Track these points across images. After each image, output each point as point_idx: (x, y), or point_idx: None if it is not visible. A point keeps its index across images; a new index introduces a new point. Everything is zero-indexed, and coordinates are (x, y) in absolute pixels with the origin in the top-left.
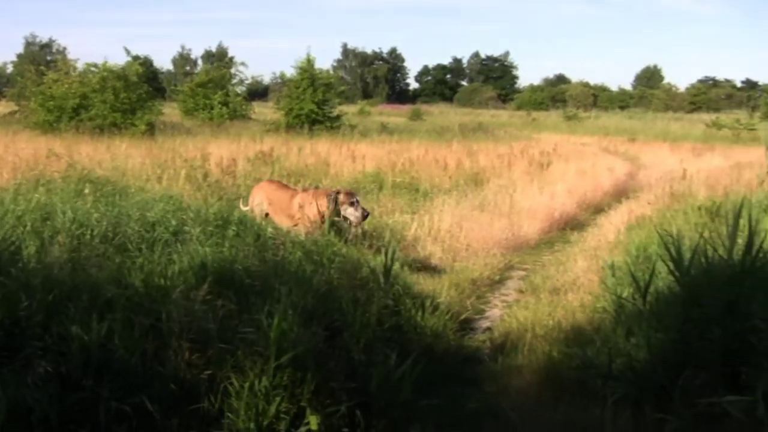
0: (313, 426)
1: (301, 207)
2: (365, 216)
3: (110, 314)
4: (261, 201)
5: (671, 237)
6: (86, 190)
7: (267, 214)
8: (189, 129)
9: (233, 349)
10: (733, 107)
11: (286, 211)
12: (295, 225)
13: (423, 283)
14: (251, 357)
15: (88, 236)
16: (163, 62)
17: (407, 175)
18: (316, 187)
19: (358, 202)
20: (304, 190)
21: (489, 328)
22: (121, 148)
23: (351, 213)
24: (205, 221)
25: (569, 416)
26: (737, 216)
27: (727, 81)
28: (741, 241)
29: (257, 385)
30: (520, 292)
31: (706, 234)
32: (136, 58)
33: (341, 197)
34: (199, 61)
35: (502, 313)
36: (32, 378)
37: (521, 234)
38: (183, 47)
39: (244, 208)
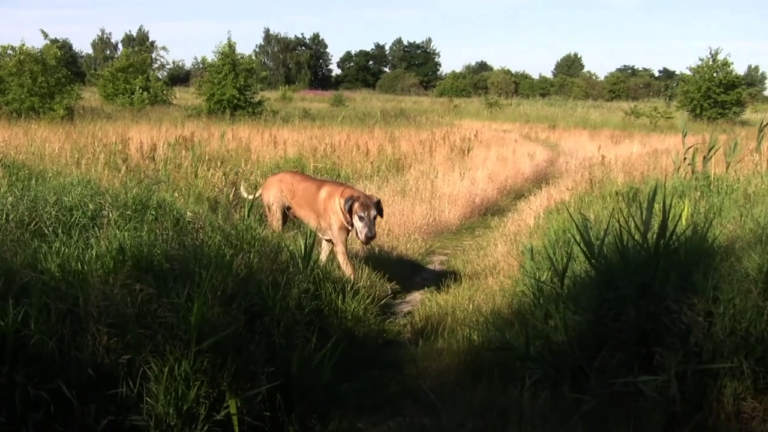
0: (233, 410)
1: (327, 201)
2: (368, 238)
3: (26, 299)
4: (279, 194)
5: (587, 221)
6: (0, 174)
7: (289, 208)
8: (109, 114)
9: (152, 333)
10: (651, 96)
11: (312, 206)
12: (319, 224)
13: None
14: (171, 341)
15: (2, 221)
16: (83, 46)
17: (328, 161)
18: (341, 183)
19: (369, 218)
20: (334, 182)
21: (410, 312)
22: (38, 132)
23: (358, 227)
24: (123, 205)
25: (488, 397)
26: (651, 201)
27: (645, 70)
28: (656, 225)
29: (177, 370)
30: (441, 276)
31: (622, 219)
32: (54, 41)
33: (356, 205)
34: (120, 45)
35: (423, 298)
36: None
37: (442, 219)
38: (103, 31)
39: (248, 196)
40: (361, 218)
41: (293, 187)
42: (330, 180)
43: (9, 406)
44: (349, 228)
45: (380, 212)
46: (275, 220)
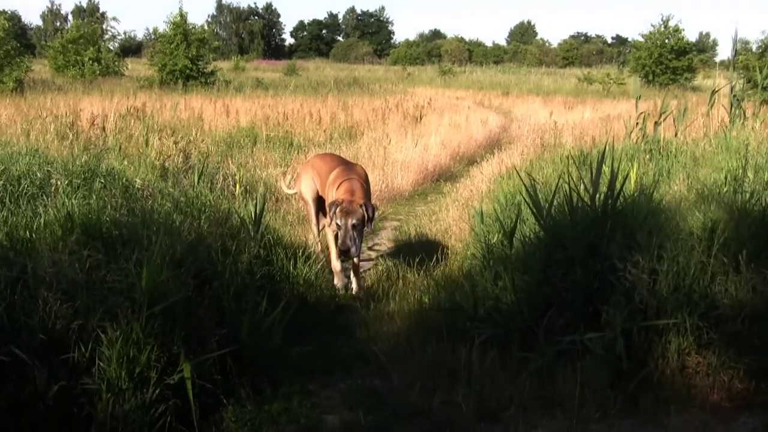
0: (186, 373)
1: (329, 187)
2: (341, 251)
3: None
4: (311, 182)
5: (536, 183)
6: None
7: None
8: (60, 86)
9: (103, 298)
10: (604, 62)
11: (323, 190)
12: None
13: (296, 234)
14: (123, 306)
15: None
16: (32, 18)
17: (281, 129)
18: (349, 170)
19: (346, 227)
20: (346, 169)
21: (361, 278)
22: None
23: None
24: (72, 174)
25: (437, 358)
26: (600, 162)
27: (598, 37)
28: (605, 187)
29: (129, 334)
30: (393, 241)
31: (571, 181)
32: (2, 12)
33: (336, 211)
34: (70, 17)
35: (375, 263)
36: None
37: (395, 186)
38: (52, 2)
39: (288, 191)
40: (338, 226)
41: (320, 171)
42: (348, 165)
43: None
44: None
45: (369, 220)
46: (311, 216)
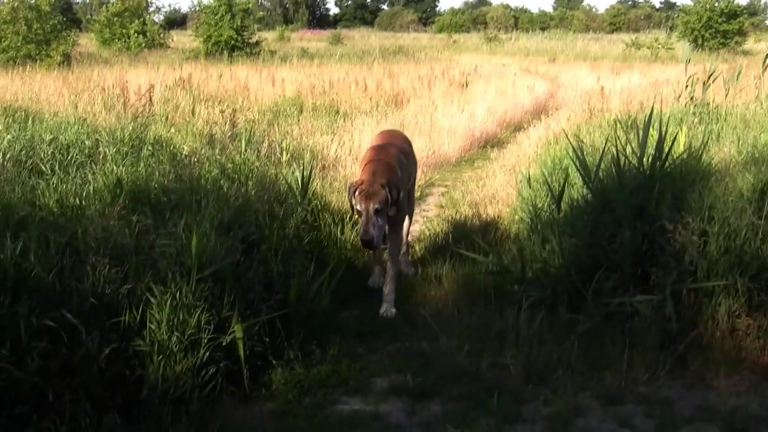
0: (238, 334)
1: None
2: (362, 241)
3: (24, 233)
4: None
5: (585, 145)
6: None
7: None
8: (106, 59)
9: (152, 263)
10: (652, 27)
11: None
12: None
13: (343, 200)
14: (172, 270)
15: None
16: None
17: (327, 98)
18: (380, 151)
19: (368, 213)
20: (380, 146)
21: (409, 242)
22: (35, 78)
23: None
24: (120, 142)
25: (485, 320)
26: (647, 125)
27: (646, 2)
28: (652, 150)
29: (179, 297)
30: (440, 207)
31: (619, 144)
32: None
33: (356, 194)
34: None
35: (423, 227)
36: None
37: (441, 152)
38: None
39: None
40: (359, 213)
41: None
42: (384, 145)
43: (13, 338)
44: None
45: (392, 202)
46: None
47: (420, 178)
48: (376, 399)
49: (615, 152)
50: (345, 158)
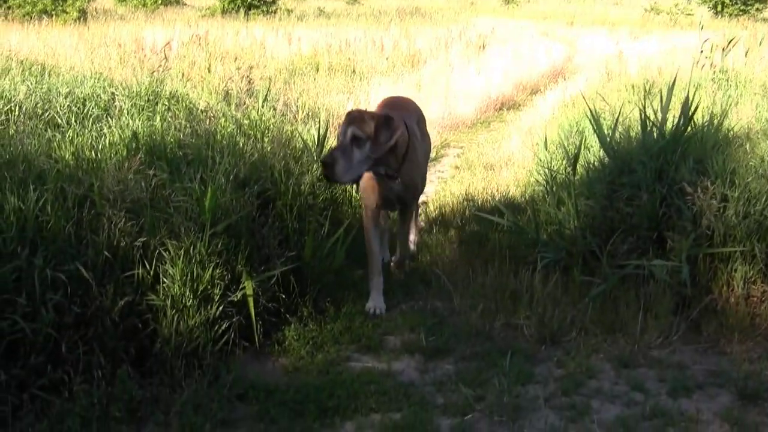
0: (248, 291)
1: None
2: (323, 163)
3: (42, 186)
4: None
5: (603, 109)
6: (13, 69)
7: None
8: (122, 15)
9: (167, 217)
10: None
11: None
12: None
13: None
14: (186, 224)
15: (16, 112)
16: None
17: (343, 57)
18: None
19: (347, 135)
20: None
21: (425, 202)
22: (51, 33)
23: None
24: (135, 96)
25: (499, 281)
26: (671, 89)
27: None
28: (671, 115)
29: (192, 252)
30: (456, 168)
31: (639, 107)
32: None
33: (343, 119)
34: None
35: (438, 188)
36: None
37: (458, 114)
38: None
39: None
40: (337, 137)
41: None
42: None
43: (28, 289)
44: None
45: (376, 144)
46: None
47: (435, 139)
48: (388, 357)
49: (640, 114)
50: None
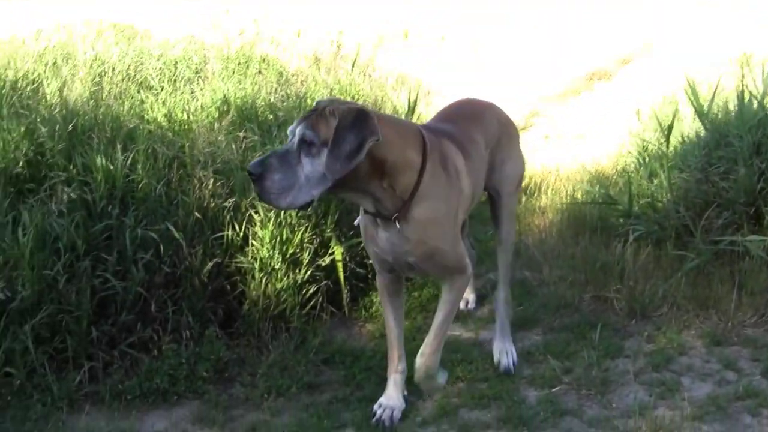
0: (338, 256)
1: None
2: (249, 172)
3: (133, 146)
4: None
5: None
6: (107, 32)
7: None
8: None
9: None
10: None
11: None
12: None
13: None
14: None
15: (109, 74)
16: None
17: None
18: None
19: (295, 135)
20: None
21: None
22: None
23: None
24: (227, 59)
25: (590, 252)
26: None
27: None
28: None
29: (282, 215)
30: (545, 137)
31: (737, 79)
32: None
33: None
34: None
35: (528, 157)
36: (57, 206)
37: (548, 83)
38: None
39: None
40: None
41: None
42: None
43: (119, 247)
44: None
45: (334, 156)
46: None
47: (524, 107)
48: (476, 325)
49: (738, 85)
50: (448, 84)
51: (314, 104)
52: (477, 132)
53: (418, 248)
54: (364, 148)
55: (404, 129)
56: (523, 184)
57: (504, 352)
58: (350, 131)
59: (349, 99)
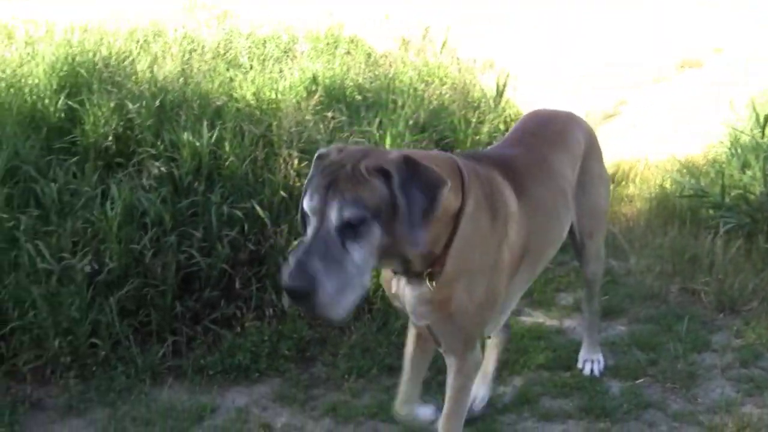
0: None
1: None
2: (288, 291)
3: (220, 123)
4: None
5: None
6: (196, 8)
7: None
8: None
9: None
10: None
11: None
12: None
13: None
14: None
15: (198, 51)
16: None
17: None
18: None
19: (330, 221)
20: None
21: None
22: None
23: None
24: (315, 39)
25: (678, 243)
26: None
27: None
28: None
29: None
30: (632, 126)
31: None
32: None
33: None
34: None
35: (615, 144)
36: (146, 182)
37: (635, 70)
38: None
39: None
40: (303, 222)
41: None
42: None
43: (205, 224)
44: None
45: (410, 201)
46: None
47: (612, 95)
48: (560, 313)
49: None
50: (539, 71)
51: (316, 155)
52: (560, 158)
53: (440, 308)
54: (438, 200)
55: (440, 163)
56: (611, 171)
57: (588, 362)
58: (416, 186)
59: (439, 79)
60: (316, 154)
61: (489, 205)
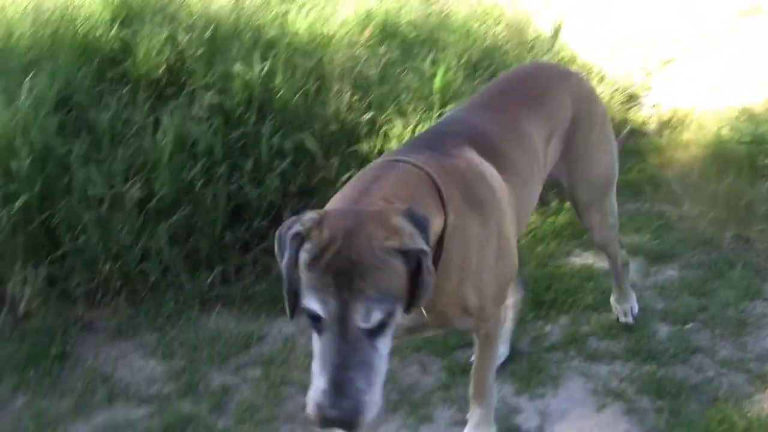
0: None
1: None
2: (320, 422)
3: (272, 55)
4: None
5: None
6: None
7: None
8: None
9: (395, 95)
10: None
11: None
12: None
13: (590, 54)
14: (414, 103)
15: None
16: None
17: None
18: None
19: (354, 324)
20: None
21: (656, 105)
22: None
23: None
24: None
25: (734, 190)
26: None
27: None
28: None
29: (420, 130)
30: (691, 72)
31: None
32: None
33: (308, 260)
34: None
35: (672, 90)
36: (197, 112)
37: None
38: None
39: None
40: (313, 321)
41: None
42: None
43: (256, 156)
44: None
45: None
46: None
47: (667, 43)
48: None
49: None
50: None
51: (291, 236)
52: (531, 120)
53: (441, 325)
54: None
55: (416, 191)
56: (666, 118)
57: (623, 312)
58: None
59: (493, 18)
60: (288, 234)
61: (471, 201)
